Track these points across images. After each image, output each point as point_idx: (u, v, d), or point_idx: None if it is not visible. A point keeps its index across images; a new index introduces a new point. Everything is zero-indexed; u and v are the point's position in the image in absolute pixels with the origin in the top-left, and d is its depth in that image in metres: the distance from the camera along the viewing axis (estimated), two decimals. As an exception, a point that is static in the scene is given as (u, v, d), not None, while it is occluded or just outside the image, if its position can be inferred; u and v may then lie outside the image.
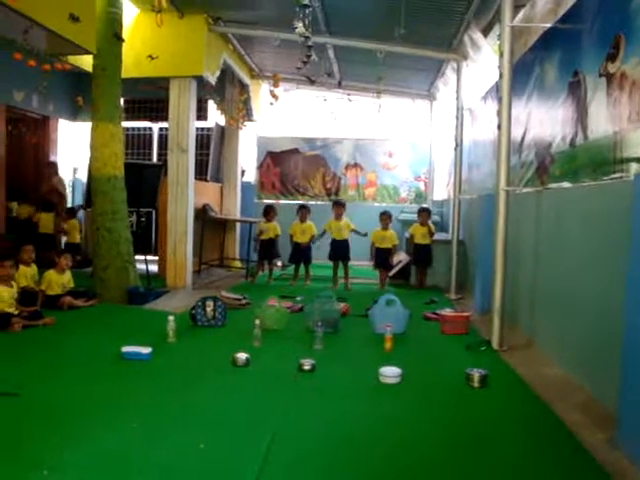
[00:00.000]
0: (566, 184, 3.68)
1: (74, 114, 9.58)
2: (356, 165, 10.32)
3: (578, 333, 3.38)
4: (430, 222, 7.50)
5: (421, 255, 7.34)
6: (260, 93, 9.46)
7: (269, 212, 7.66)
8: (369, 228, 7.40)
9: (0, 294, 4.47)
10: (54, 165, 8.79)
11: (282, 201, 10.24)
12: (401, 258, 7.50)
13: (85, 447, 2.36)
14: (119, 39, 5.71)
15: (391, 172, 10.32)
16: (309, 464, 2.29)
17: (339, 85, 8.62)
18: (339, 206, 7.40)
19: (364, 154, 10.30)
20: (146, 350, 3.70)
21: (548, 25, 4.17)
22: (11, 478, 2.11)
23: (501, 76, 4.25)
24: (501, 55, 4.26)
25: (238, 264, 8.96)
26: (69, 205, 9.27)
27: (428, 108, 9.69)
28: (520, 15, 4.87)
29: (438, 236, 7.62)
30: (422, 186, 10.27)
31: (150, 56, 6.35)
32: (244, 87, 8.68)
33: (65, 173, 9.92)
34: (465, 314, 4.85)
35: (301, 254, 7.33)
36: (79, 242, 8.81)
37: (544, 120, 4.24)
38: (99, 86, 5.70)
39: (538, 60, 4.42)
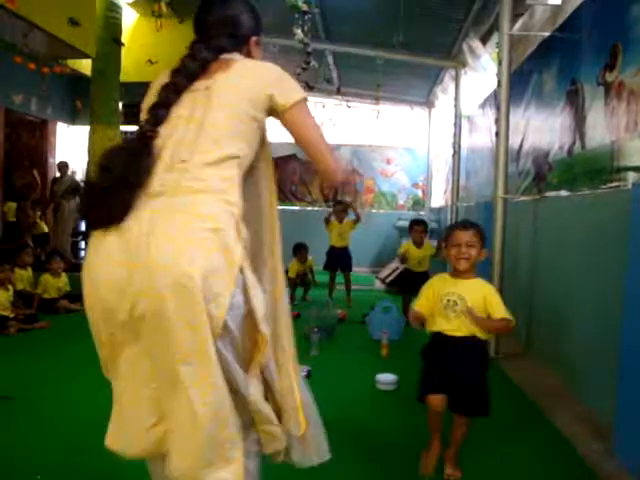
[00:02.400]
0: (564, 192, 3.69)
1: (72, 118, 9.59)
2: (354, 171, 10.33)
3: (575, 343, 3.38)
4: (428, 239, 5.74)
5: (412, 283, 5.01)
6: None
7: (302, 252, 6.43)
8: (366, 236, 7.29)
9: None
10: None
11: (280, 207, 10.22)
12: (397, 265, 7.48)
13: (80, 452, 2.34)
14: (118, 43, 5.73)
15: (389, 179, 10.34)
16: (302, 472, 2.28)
17: (338, 91, 8.65)
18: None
19: (362, 161, 10.32)
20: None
21: (546, 34, 4.19)
22: (3, 483, 2.10)
23: (499, 84, 4.26)
24: (499, 63, 4.27)
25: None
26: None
27: (426, 115, 9.73)
28: (519, 24, 4.89)
29: (435, 243, 7.60)
30: (420, 193, 10.29)
31: (149, 60, 6.37)
32: (243, 92, 8.69)
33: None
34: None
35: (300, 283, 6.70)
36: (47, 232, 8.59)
37: (542, 128, 4.25)
38: (98, 90, 5.72)
39: (536, 68, 4.44)
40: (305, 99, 1.52)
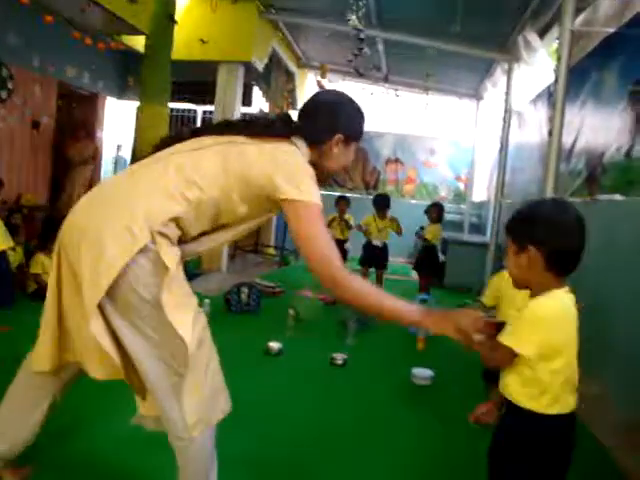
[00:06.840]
0: (618, 196, 3.57)
1: (120, 92, 9.73)
2: (397, 160, 10.24)
3: (619, 350, 3.29)
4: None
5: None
6: (306, 82, 9.44)
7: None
8: (404, 227, 7.16)
9: (44, 264, 4.59)
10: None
11: (321, 192, 10.21)
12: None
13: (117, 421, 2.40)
14: (172, 21, 5.75)
15: (431, 170, 10.21)
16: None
17: (385, 80, 8.54)
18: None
19: (405, 150, 10.21)
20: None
21: (612, 30, 4.04)
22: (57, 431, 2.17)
23: (556, 81, 4.13)
24: (558, 59, 4.14)
25: (272, 251, 9.01)
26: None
27: (474, 108, 9.54)
28: (580, 18, 4.72)
29: (475, 238, 7.51)
30: (462, 186, 10.13)
31: (202, 40, 6.40)
32: (290, 75, 8.68)
33: (109, 149, 10.12)
34: (498, 320, 4.76)
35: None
36: None
37: (598, 128, 4.12)
38: (149, 67, 5.75)
39: (597, 66, 4.29)
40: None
